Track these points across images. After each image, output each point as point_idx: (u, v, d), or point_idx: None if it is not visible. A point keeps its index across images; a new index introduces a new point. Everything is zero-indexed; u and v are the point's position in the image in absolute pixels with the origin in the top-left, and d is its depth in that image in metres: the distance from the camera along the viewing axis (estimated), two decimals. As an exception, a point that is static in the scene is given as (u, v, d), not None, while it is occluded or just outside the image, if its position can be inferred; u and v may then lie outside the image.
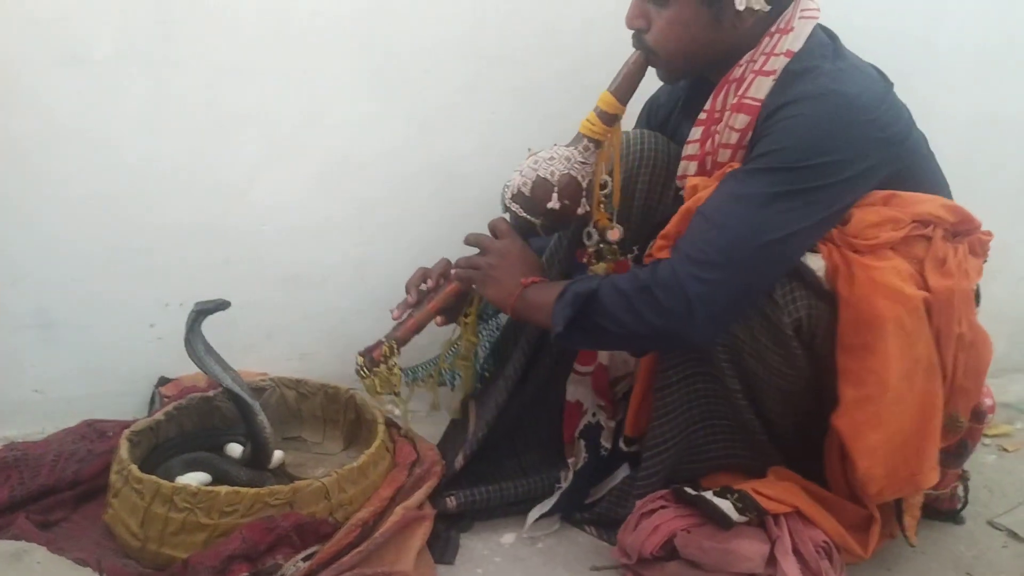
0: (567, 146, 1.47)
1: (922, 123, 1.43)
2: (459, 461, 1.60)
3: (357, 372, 1.55)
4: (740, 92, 1.38)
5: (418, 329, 1.56)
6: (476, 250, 1.55)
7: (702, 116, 1.44)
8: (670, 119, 1.64)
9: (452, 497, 1.55)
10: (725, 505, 1.36)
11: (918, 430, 1.33)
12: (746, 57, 1.39)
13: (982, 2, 2.00)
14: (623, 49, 1.71)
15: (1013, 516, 1.63)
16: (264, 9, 1.73)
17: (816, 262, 1.33)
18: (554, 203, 1.45)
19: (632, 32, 1.45)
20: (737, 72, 1.39)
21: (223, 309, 1.53)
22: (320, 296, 1.91)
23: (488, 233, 1.55)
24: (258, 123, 1.79)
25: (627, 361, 1.61)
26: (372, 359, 1.54)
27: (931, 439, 1.35)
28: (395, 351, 1.54)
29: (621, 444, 1.60)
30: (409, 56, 1.81)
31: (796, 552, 1.32)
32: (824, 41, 1.40)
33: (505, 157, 1.77)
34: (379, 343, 1.55)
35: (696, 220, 1.34)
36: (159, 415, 1.61)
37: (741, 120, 1.38)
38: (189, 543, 1.34)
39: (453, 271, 1.55)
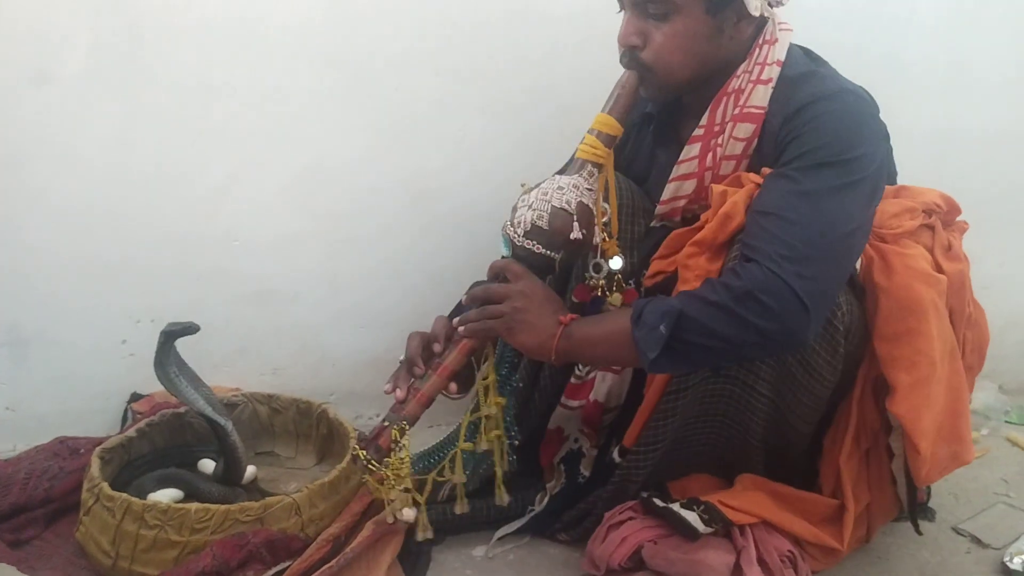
0: (568, 174, 1.38)
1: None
2: (443, 493, 1.54)
3: (363, 467, 1.33)
4: (741, 103, 1.41)
5: (428, 403, 1.35)
6: (476, 305, 1.43)
7: (698, 132, 1.45)
8: (624, 148, 1.61)
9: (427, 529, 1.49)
10: (691, 517, 1.38)
11: (955, 408, 1.39)
12: (741, 68, 1.42)
13: (948, 17, 2.04)
14: (593, 68, 1.74)
15: (976, 522, 1.66)
16: (234, 24, 1.74)
17: None
18: (576, 233, 1.34)
19: (622, 51, 1.42)
20: (735, 83, 1.42)
21: (192, 333, 1.49)
22: (292, 310, 1.91)
23: (488, 280, 1.42)
24: (228, 138, 1.79)
25: (620, 394, 1.58)
26: (378, 448, 1.31)
27: (966, 416, 1.42)
28: (404, 434, 1.31)
29: (614, 454, 1.53)
30: (379, 72, 1.82)
31: (761, 562, 1.35)
32: (800, 51, 1.46)
33: (474, 172, 1.80)
34: (383, 427, 1.32)
35: (766, 221, 1.29)
36: (131, 432, 1.60)
37: (745, 129, 1.41)
38: (160, 560, 1.34)
39: (464, 328, 1.36)
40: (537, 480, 1.62)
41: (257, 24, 1.75)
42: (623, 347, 1.30)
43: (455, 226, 1.90)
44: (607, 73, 1.46)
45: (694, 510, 1.38)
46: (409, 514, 1.36)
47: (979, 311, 1.51)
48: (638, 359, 1.29)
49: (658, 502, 1.43)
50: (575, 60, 1.80)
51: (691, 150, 1.47)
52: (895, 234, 1.38)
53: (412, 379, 1.35)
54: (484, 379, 1.39)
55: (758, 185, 1.36)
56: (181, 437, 1.69)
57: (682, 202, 1.50)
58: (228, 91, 1.77)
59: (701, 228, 1.38)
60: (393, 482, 1.31)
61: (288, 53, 1.78)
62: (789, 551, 1.37)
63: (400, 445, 1.30)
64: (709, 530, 1.37)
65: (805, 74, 1.41)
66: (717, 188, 1.38)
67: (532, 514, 1.56)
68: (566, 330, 1.33)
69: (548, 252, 1.35)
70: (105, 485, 1.40)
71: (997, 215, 2.15)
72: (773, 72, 1.41)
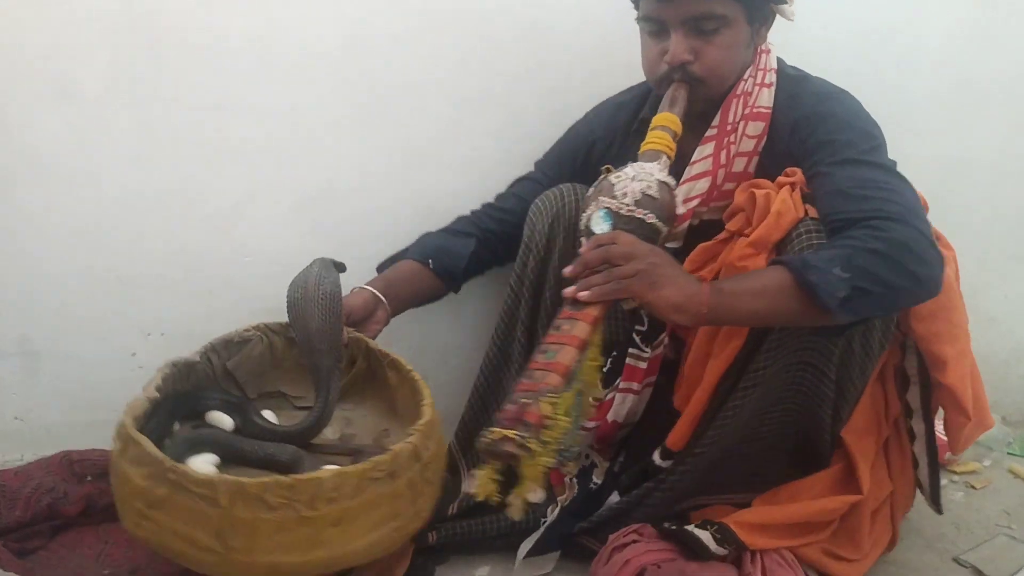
0: (646, 163, 1.39)
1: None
2: (452, 508, 1.57)
3: (509, 451, 1.12)
4: (751, 103, 1.51)
5: (567, 373, 1.19)
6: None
7: (711, 132, 1.52)
8: (608, 153, 1.68)
9: (433, 532, 1.53)
10: (704, 536, 1.39)
11: (975, 375, 1.49)
12: (748, 72, 1.52)
13: (954, 48, 2.05)
14: (605, 93, 1.77)
15: (978, 553, 1.66)
16: (251, 44, 1.76)
17: None
18: (680, 208, 1.37)
19: (669, 68, 1.48)
20: (742, 86, 1.51)
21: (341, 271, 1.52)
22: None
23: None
24: (243, 157, 1.81)
25: (637, 412, 1.59)
26: (527, 425, 1.12)
27: (982, 384, 1.51)
28: (555, 407, 1.16)
29: (656, 457, 1.52)
30: (393, 93, 1.84)
31: (766, 589, 1.35)
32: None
33: (486, 195, 1.82)
34: (522, 404, 1.14)
35: (865, 191, 1.32)
36: (153, 391, 1.37)
37: (755, 127, 1.51)
38: (293, 542, 1.14)
39: (591, 291, 1.25)
40: (547, 493, 1.61)
41: (274, 45, 1.78)
42: (790, 297, 1.26)
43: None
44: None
45: (707, 530, 1.39)
46: (538, 495, 1.33)
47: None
48: (809, 308, 1.26)
49: (669, 525, 1.44)
50: (586, 86, 1.82)
51: (704, 150, 1.53)
52: None
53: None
54: (592, 360, 1.27)
55: (793, 185, 1.41)
56: (183, 383, 1.47)
57: (695, 202, 1.52)
58: (244, 110, 1.79)
59: (728, 239, 1.43)
60: (546, 457, 1.14)
61: (304, 75, 1.80)
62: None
63: (553, 419, 1.14)
64: (722, 551, 1.37)
65: (798, 76, 1.55)
66: (759, 192, 1.41)
67: (545, 525, 1.55)
68: (714, 284, 1.29)
69: (659, 223, 1.33)
70: (190, 469, 1.16)
71: (1003, 247, 2.17)
72: (772, 77, 1.53)
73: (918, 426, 1.53)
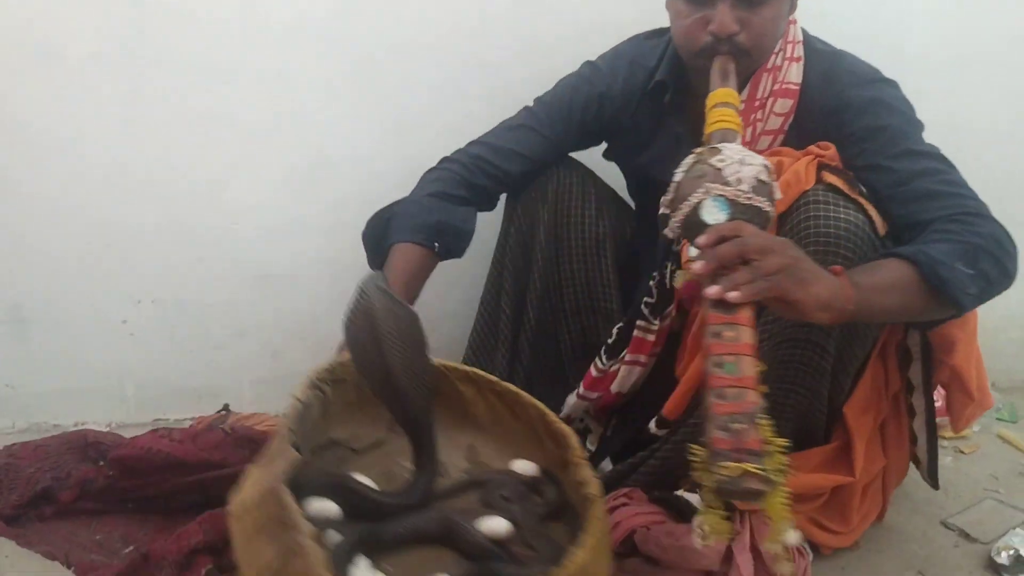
0: (730, 144, 1.26)
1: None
2: None
3: (756, 487, 0.99)
4: (780, 79, 1.47)
5: (756, 387, 1.06)
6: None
7: (740, 107, 1.42)
8: (623, 113, 1.61)
9: None
10: (694, 499, 1.40)
11: (979, 357, 1.49)
12: (778, 46, 1.47)
13: (951, 10, 2.04)
14: (595, 53, 1.75)
15: (965, 516, 1.67)
16: (240, 9, 1.75)
17: None
18: (778, 192, 1.24)
19: (712, 39, 1.39)
20: (773, 60, 1.47)
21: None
22: (291, 295, 1.93)
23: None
24: (232, 123, 1.80)
25: (638, 383, 1.59)
26: (751, 452, 1.00)
27: (983, 364, 1.51)
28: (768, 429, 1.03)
29: (651, 426, 1.52)
30: (384, 58, 1.83)
31: (754, 549, 1.36)
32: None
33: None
34: (734, 432, 1.01)
35: (940, 186, 1.34)
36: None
37: (783, 104, 1.47)
38: None
39: (741, 292, 1.09)
40: None
41: (262, 11, 1.76)
42: (918, 293, 1.24)
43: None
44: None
45: (697, 492, 1.40)
46: (795, 537, 1.10)
47: None
48: (937, 304, 1.25)
49: (659, 493, 1.44)
50: (577, 49, 1.80)
51: None
52: None
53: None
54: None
55: (818, 156, 1.38)
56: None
57: None
58: (233, 77, 1.78)
59: None
60: (783, 487, 1.02)
61: (293, 40, 1.79)
62: (783, 542, 1.38)
63: (771, 442, 1.02)
64: (712, 512, 1.38)
65: (830, 52, 1.50)
66: (773, 159, 1.36)
67: None
68: (851, 279, 1.20)
69: (772, 210, 1.21)
70: None
71: (994, 211, 2.15)
72: (800, 50, 1.48)
73: (918, 402, 1.51)
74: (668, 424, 1.51)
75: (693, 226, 1.20)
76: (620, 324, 1.57)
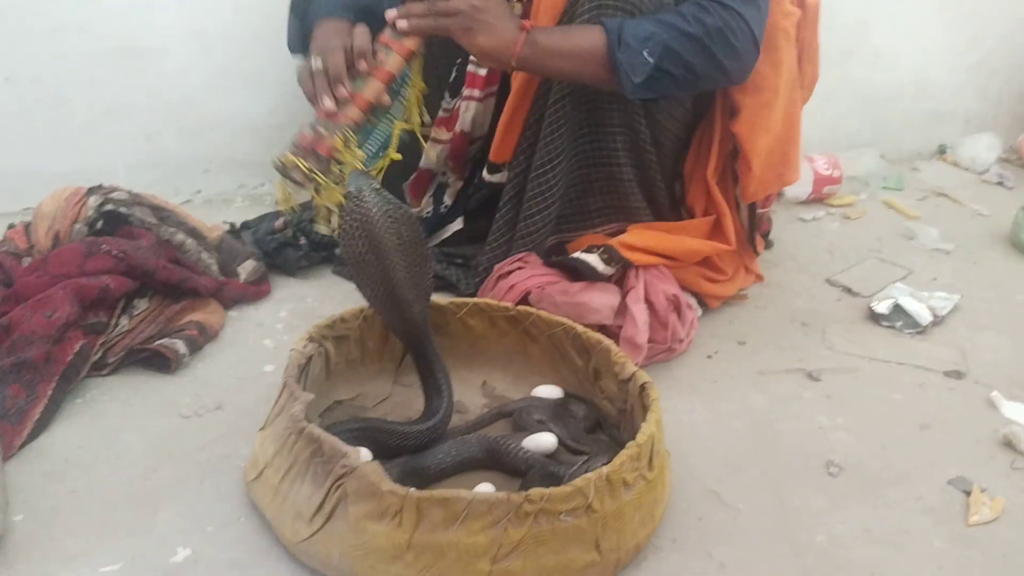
0: None
1: None
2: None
3: (297, 179, 1.18)
4: None
5: (369, 108, 1.23)
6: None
7: None
8: None
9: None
10: (591, 258, 1.40)
11: (788, 135, 1.49)
12: None
13: None
14: None
15: (849, 274, 1.74)
16: None
17: None
18: None
19: None
20: None
21: None
22: (160, 70, 1.78)
23: None
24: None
25: (484, 124, 1.57)
26: (319, 157, 1.18)
27: (796, 142, 1.52)
28: (349, 143, 1.20)
29: (484, 173, 1.55)
30: None
31: (648, 302, 1.38)
32: None
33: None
34: (318, 135, 1.19)
35: None
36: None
37: None
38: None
39: (410, 23, 1.23)
40: None
41: None
42: (595, 65, 1.29)
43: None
44: None
45: (594, 252, 1.40)
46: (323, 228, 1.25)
47: (818, 48, 1.56)
48: (610, 80, 1.30)
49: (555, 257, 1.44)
50: None
51: None
52: None
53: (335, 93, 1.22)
54: (414, 88, 1.32)
55: None
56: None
57: None
58: None
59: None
60: (333, 192, 1.18)
61: None
62: (675, 295, 1.40)
63: (343, 153, 1.19)
64: (610, 270, 1.39)
65: None
66: None
67: None
68: (530, 36, 1.27)
69: None
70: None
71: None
72: None
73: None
74: (498, 168, 1.51)
75: None
76: (459, 60, 1.54)
